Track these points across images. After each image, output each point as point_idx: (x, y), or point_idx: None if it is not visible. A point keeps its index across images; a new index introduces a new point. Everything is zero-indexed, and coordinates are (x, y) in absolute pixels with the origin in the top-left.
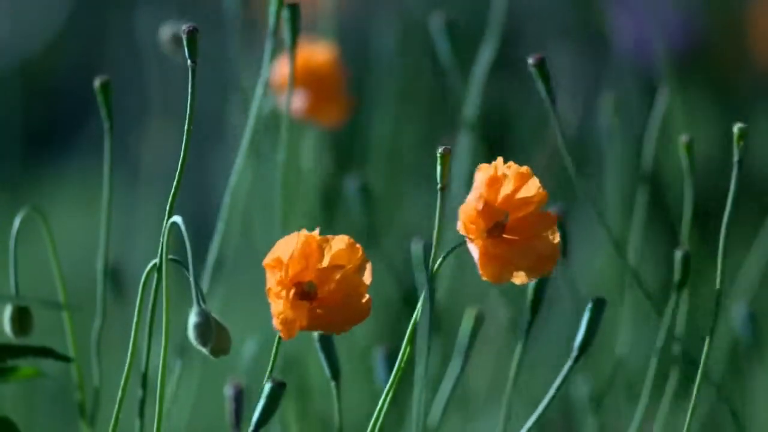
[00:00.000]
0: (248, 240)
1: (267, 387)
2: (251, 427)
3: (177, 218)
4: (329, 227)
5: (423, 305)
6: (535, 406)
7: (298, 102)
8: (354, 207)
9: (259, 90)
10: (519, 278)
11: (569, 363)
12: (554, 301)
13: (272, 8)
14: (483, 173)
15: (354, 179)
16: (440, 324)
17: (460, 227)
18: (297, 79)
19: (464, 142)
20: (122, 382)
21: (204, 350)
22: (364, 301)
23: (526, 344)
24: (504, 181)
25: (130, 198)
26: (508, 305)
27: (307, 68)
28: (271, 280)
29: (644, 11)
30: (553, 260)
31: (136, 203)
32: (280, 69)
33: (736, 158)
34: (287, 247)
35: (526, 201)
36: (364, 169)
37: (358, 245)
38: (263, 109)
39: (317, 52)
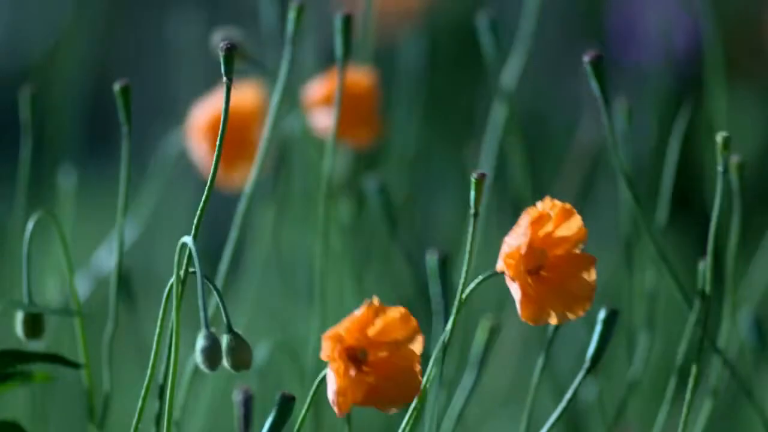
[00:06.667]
0: (253, 246)
1: (277, 400)
2: None
3: (187, 239)
4: (352, 231)
5: (437, 316)
6: (543, 410)
7: (325, 121)
8: (375, 209)
9: (275, 98)
10: (554, 319)
11: (581, 374)
12: None
13: (291, 14)
14: (529, 215)
15: (373, 181)
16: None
17: (500, 266)
18: (328, 99)
19: (490, 151)
20: (142, 392)
21: (225, 365)
22: (416, 373)
23: (549, 355)
24: (547, 219)
25: (157, 204)
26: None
27: (343, 90)
28: (327, 351)
29: (657, 14)
30: (588, 302)
31: (162, 209)
32: (316, 87)
33: (720, 168)
34: (347, 321)
35: (565, 239)
36: (387, 173)
37: (412, 317)
38: (293, 125)
39: (355, 75)
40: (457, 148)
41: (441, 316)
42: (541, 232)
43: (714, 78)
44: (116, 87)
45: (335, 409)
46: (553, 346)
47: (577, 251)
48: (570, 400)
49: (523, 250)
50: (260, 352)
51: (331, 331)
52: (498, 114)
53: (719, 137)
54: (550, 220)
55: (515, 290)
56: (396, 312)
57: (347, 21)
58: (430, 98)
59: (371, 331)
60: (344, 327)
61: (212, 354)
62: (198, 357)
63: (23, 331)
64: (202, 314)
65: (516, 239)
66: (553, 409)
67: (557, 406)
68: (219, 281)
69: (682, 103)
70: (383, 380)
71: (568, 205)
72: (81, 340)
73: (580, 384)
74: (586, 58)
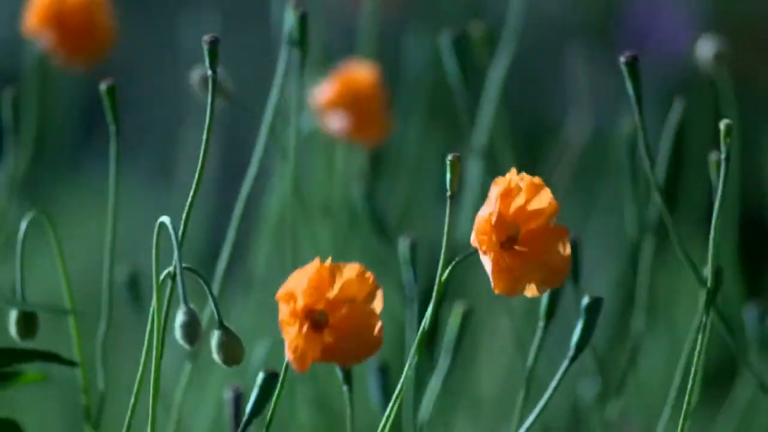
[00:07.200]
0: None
1: (260, 377)
2: (245, 417)
3: (165, 219)
4: (352, 235)
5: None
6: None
7: (338, 123)
8: (369, 216)
9: (271, 100)
10: (530, 291)
11: (566, 363)
12: (564, 312)
13: (290, 16)
14: (498, 186)
15: (362, 186)
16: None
17: (473, 240)
18: (338, 100)
19: (477, 149)
20: (135, 388)
21: (217, 359)
22: (375, 331)
23: (539, 354)
24: (517, 192)
25: (164, 205)
26: (519, 313)
27: (349, 89)
28: (284, 311)
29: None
30: (563, 274)
31: (169, 210)
32: (324, 90)
33: (723, 155)
34: (300, 279)
35: (537, 212)
36: (390, 178)
37: (369, 273)
38: (304, 128)
39: (360, 74)
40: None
41: (414, 304)
42: (513, 207)
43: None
44: (102, 87)
45: (294, 366)
46: (546, 345)
47: (550, 224)
48: (555, 389)
49: (493, 220)
50: (260, 351)
51: (283, 291)
52: (487, 111)
53: (722, 125)
54: (520, 192)
55: (487, 262)
56: (353, 270)
57: (302, 19)
58: (433, 96)
59: (330, 293)
60: (300, 288)
61: (191, 329)
62: (177, 333)
63: (17, 331)
64: (180, 291)
65: (486, 211)
66: (552, 408)
67: (557, 405)
68: (218, 278)
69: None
70: (342, 339)
71: (537, 179)
72: (76, 338)
73: (565, 373)
74: (622, 59)
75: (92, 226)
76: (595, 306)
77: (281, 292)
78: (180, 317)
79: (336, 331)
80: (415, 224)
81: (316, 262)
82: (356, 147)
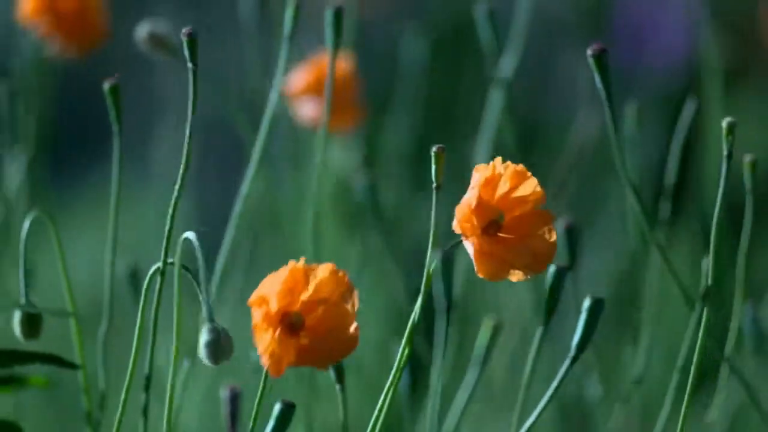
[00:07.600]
0: (257, 244)
1: (276, 408)
2: None
3: (190, 234)
4: (352, 228)
5: (419, 310)
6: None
7: (310, 110)
8: (367, 207)
9: (273, 97)
10: (515, 276)
11: (567, 363)
12: (565, 311)
13: (288, 13)
14: (480, 173)
15: (363, 178)
16: (454, 327)
17: (455, 225)
18: (311, 88)
19: (484, 146)
20: (125, 385)
21: (203, 357)
22: (351, 331)
23: (539, 350)
24: (500, 180)
25: (154, 206)
26: (522, 309)
27: (322, 77)
28: (257, 316)
29: (660, 15)
30: (548, 259)
31: (160, 212)
32: (297, 78)
33: (725, 152)
34: (273, 282)
35: (522, 200)
36: (385, 171)
37: (342, 273)
38: (280, 117)
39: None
40: (457, 144)
41: (444, 315)
42: (497, 194)
43: (710, 84)
44: (105, 86)
45: (269, 371)
46: (547, 344)
47: (535, 210)
48: (557, 389)
49: (473, 204)
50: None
51: (256, 295)
52: (493, 109)
53: (724, 123)
54: (501, 179)
55: (469, 247)
56: (326, 270)
57: (338, 14)
58: (429, 93)
59: (304, 294)
60: (274, 292)
61: (216, 348)
62: (202, 351)
63: (20, 332)
64: (204, 308)
65: (466, 197)
66: (550, 408)
67: (555, 405)
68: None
69: (682, 103)
70: (317, 340)
71: (520, 167)
72: (77, 340)
73: (567, 373)
74: (589, 52)
75: (94, 227)
76: (596, 307)
77: (253, 297)
78: (204, 335)
79: (311, 333)
80: (413, 220)
81: (290, 264)
82: (351, 144)
